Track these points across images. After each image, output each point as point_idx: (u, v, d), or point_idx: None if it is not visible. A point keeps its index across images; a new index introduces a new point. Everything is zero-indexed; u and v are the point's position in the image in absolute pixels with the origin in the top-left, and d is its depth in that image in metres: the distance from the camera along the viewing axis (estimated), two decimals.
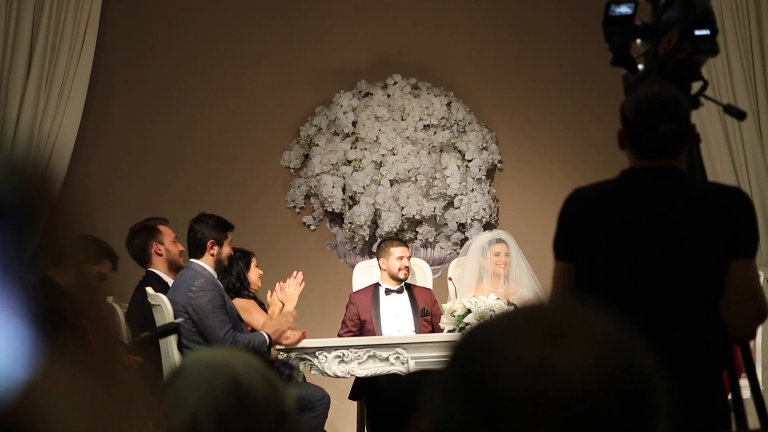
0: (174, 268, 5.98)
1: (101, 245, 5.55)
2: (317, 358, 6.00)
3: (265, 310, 6.32)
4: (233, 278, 6.27)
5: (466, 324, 6.00)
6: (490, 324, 0.96)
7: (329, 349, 6.02)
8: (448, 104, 7.83)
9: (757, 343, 5.95)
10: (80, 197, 0.89)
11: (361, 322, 6.62)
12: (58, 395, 0.80)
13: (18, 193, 0.81)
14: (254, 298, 6.33)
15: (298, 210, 7.97)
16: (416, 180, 7.61)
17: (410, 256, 6.82)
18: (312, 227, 7.95)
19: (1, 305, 0.78)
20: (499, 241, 6.75)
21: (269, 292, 6.21)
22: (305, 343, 6.05)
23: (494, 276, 6.69)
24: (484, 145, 7.85)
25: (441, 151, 7.75)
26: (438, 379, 0.96)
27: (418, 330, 6.57)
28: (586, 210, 2.85)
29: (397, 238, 7.17)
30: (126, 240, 6.02)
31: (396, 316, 6.63)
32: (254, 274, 6.34)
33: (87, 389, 0.83)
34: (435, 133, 7.71)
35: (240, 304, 6.11)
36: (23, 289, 0.79)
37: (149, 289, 5.71)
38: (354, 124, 7.74)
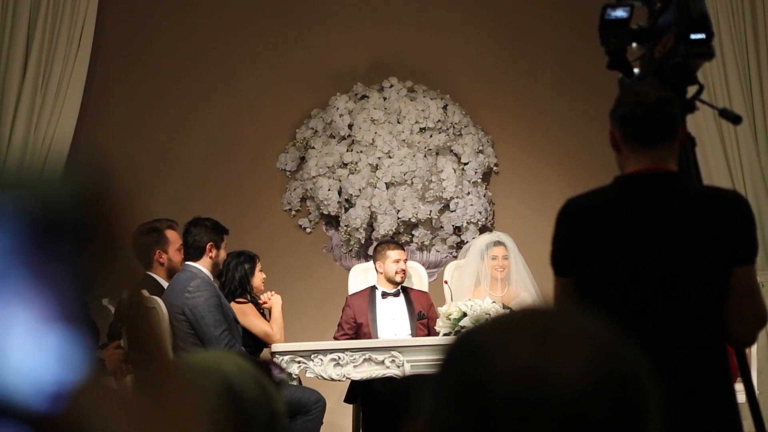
0: (173, 274, 5.97)
1: None
2: (313, 360, 6.00)
3: (263, 314, 6.32)
4: (236, 282, 6.26)
5: (462, 327, 6.00)
6: (482, 328, 0.96)
7: (325, 352, 6.01)
8: (444, 107, 7.83)
9: (753, 348, 5.95)
10: (131, 213, 0.90)
11: (357, 325, 6.61)
12: (105, 402, 0.81)
13: (77, 212, 0.82)
14: (254, 302, 6.32)
15: (293, 213, 7.96)
16: (412, 183, 7.61)
17: (407, 259, 6.82)
18: (308, 230, 7.95)
19: (51, 312, 0.79)
20: (498, 243, 6.72)
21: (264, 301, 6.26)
22: (301, 345, 6.06)
23: (492, 280, 6.67)
24: (480, 148, 7.85)
25: (437, 154, 7.75)
26: (431, 383, 0.95)
27: (414, 333, 6.56)
28: (583, 221, 2.82)
29: (393, 241, 7.16)
30: (132, 236, 5.97)
31: (392, 320, 6.63)
32: (258, 279, 6.34)
33: (134, 397, 0.84)
34: (431, 136, 7.71)
35: (238, 307, 6.11)
36: (76, 298, 0.80)
37: (144, 292, 5.69)
38: (350, 126, 7.74)
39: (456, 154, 7.81)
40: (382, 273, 6.68)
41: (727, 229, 2.75)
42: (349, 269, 7.40)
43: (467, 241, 7.48)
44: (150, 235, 5.98)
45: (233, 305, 6.05)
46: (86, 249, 0.83)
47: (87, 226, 0.83)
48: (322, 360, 6.00)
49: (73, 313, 0.80)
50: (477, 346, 0.93)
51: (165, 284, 5.94)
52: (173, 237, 5.99)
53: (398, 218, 7.63)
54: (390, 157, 7.63)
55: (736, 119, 3.04)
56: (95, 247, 0.83)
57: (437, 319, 6.28)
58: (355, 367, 6.00)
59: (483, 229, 7.72)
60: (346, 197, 7.68)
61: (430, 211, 7.66)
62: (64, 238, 0.81)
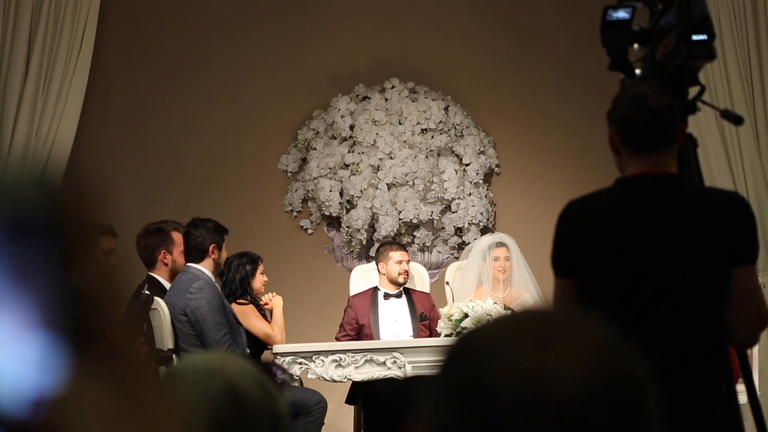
0: (175, 276, 5.97)
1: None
2: (314, 362, 6.00)
3: (264, 315, 6.32)
4: (236, 283, 6.27)
5: (463, 328, 6.00)
6: (483, 330, 0.96)
7: (326, 353, 6.01)
8: (446, 108, 7.83)
9: (754, 349, 5.94)
10: (100, 203, 0.90)
11: (359, 326, 6.61)
12: (83, 408, 0.80)
13: (48, 210, 0.82)
14: (254, 303, 6.32)
15: (295, 214, 7.96)
16: (414, 184, 7.61)
17: (409, 260, 6.82)
18: (309, 231, 7.95)
19: (28, 316, 0.79)
20: (500, 244, 6.73)
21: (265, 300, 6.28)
22: (302, 346, 6.06)
23: (494, 281, 6.68)
24: (482, 149, 7.85)
25: (438, 155, 7.75)
26: (432, 385, 0.96)
27: (416, 334, 6.56)
28: (584, 223, 2.82)
29: (396, 242, 7.17)
30: (137, 236, 5.97)
31: (394, 321, 6.63)
32: (259, 281, 6.33)
33: (113, 403, 0.83)
34: (432, 137, 7.72)
35: (239, 309, 6.11)
36: (52, 301, 0.80)
37: (144, 293, 5.69)
38: (351, 128, 7.75)
39: (457, 155, 7.81)
40: (384, 274, 6.68)
41: (728, 230, 2.75)
42: (350, 270, 7.41)
43: (469, 242, 7.48)
44: (156, 235, 5.99)
45: (234, 306, 6.05)
46: (61, 250, 0.82)
47: (60, 227, 0.82)
48: (323, 361, 6.00)
49: (52, 317, 0.80)
50: (478, 348, 0.93)
51: (167, 285, 5.95)
52: (178, 239, 5.99)
53: (400, 219, 7.63)
54: (391, 158, 7.63)
55: (737, 120, 3.04)
56: (69, 248, 0.83)
57: (439, 320, 6.28)
58: (356, 368, 6.00)
59: (484, 230, 7.73)
60: (347, 198, 7.68)
61: (432, 212, 7.67)
62: (39, 240, 0.81)
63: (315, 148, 7.81)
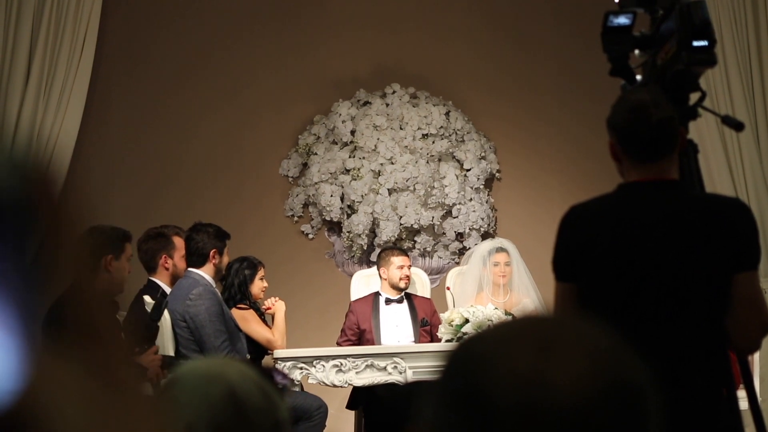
0: (176, 281, 5.96)
1: (112, 234, 5.31)
2: (315, 367, 6.00)
3: (264, 320, 6.32)
4: (235, 288, 6.26)
5: (464, 334, 6.00)
6: (483, 336, 0.96)
7: (327, 358, 6.01)
8: (447, 114, 7.84)
9: (755, 355, 5.94)
10: (82, 197, 0.88)
11: (360, 332, 6.61)
12: (62, 396, 0.80)
13: (20, 192, 0.81)
14: (254, 308, 6.31)
15: (296, 219, 7.97)
16: (414, 189, 7.61)
17: (410, 266, 6.82)
18: (310, 236, 7.95)
19: (2, 311, 0.78)
20: (500, 249, 6.74)
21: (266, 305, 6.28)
22: (303, 351, 6.06)
23: (494, 286, 6.68)
24: (483, 154, 7.86)
25: (439, 160, 7.75)
26: (432, 390, 0.96)
27: (418, 340, 6.56)
28: (586, 228, 2.83)
29: (397, 247, 7.17)
30: (139, 240, 5.95)
31: (396, 326, 6.63)
32: (257, 287, 6.31)
33: (91, 390, 0.83)
34: (433, 142, 7.72)
35: (239, 314, 6.11)
36: (24, 290, 0.79)
37: (147, 298, 5.69)
38: (352, 133, 7.75)
39: (458, 161, 7.81)
40: (386, 279, 6.68)
41: (729, 236, 2.75)
42: (351, 275, 7.41)
43: (469, 248, 7.48)
44: (157, 239, 5.97)
45: (234, 311, 6.05)
46: (30, 238, 0.81)
47: (29, 207, 0.81)
48: (324, 366, 6.00)
49: (25, 309, 0.79)
50: (478, 354, 0.94)
51: (168, 290, 5.94)
52: (180, 244, 5.98)
53: (400, 224, 7.63)
54: (392, 164, 7.64)
55: (738, 126, 3.04)
56: (39, 229, 0.82)
57: (440, 326, 6.28)
58: (357, 373, 6.00)
59: (485, 236, 7.72)
60: (348, 203, 7.68)
61: (433, 217, 7.67)
62: (7, 221, 0.80)
63: (316, 153, 7.81)
